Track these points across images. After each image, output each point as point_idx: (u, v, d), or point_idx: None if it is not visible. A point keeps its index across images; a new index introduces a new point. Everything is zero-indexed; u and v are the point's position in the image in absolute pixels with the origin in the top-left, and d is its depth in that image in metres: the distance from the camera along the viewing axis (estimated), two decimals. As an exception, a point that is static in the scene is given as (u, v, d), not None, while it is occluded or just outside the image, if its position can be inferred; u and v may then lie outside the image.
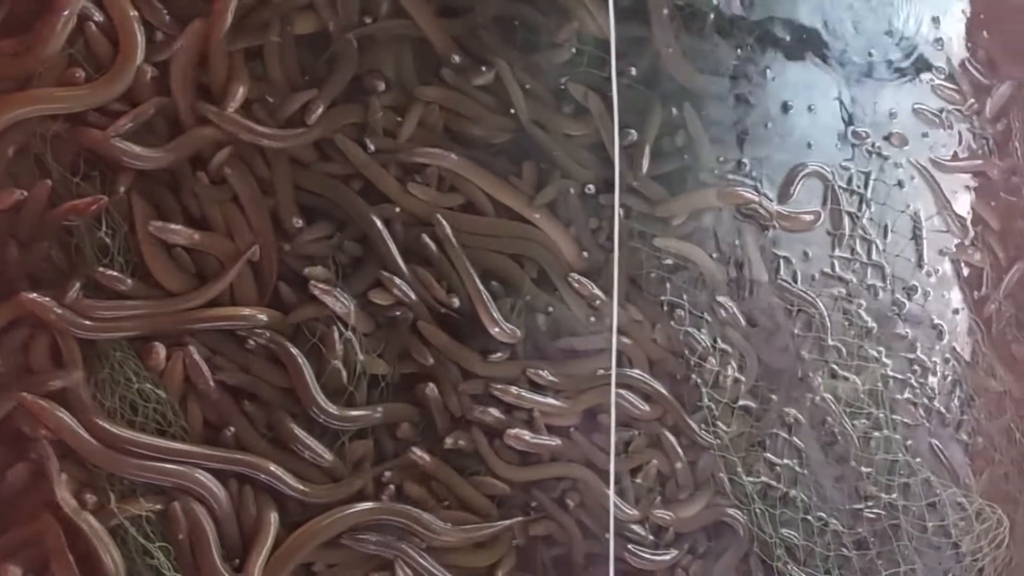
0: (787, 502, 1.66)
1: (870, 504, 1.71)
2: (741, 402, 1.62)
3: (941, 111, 1.82)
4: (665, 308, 1.56)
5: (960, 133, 1.85)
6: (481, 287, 1.43)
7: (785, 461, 1.66)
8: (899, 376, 1.77)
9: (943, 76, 1.82)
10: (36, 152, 1.22)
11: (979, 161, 1.87)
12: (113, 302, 1.25)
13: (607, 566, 1.50)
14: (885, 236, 1.78)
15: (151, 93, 1.24)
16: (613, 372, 1.47)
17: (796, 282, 1.69)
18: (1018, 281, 1.92)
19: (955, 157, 1.85)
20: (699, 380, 1.58)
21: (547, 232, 1.48)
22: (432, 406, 1.39)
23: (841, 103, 1.75)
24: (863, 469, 1.71)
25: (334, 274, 1.36)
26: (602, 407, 1.51)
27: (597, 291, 1.50)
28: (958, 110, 1.85)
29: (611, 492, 1.46)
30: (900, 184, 1.79)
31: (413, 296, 1.38)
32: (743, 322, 1.63)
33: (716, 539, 1.59)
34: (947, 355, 1.82)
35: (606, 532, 1.49)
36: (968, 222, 1.86)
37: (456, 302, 1.41)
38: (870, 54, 1.78)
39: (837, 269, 1.73)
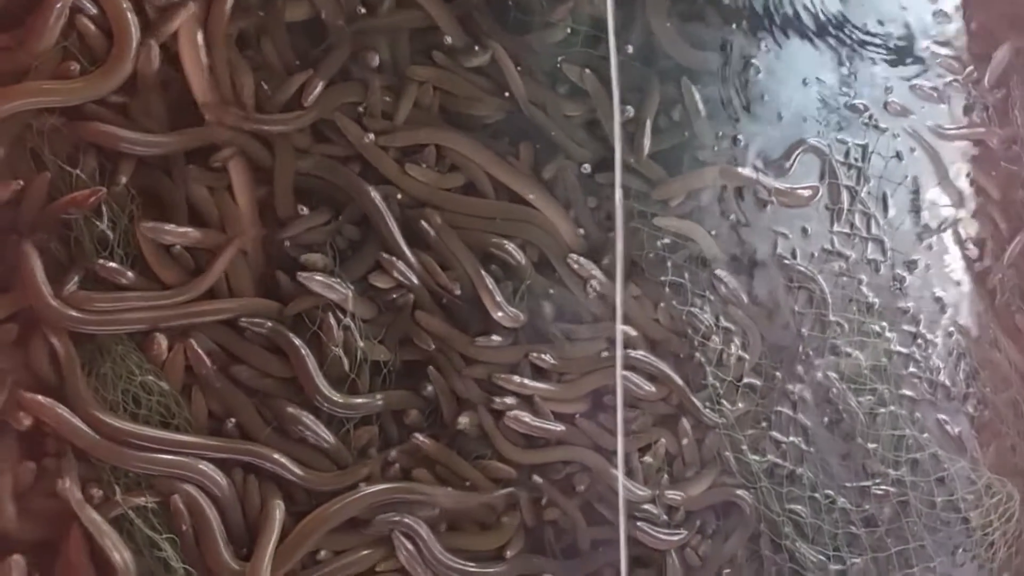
0: (794, 480, 1.70)
1: (878, 481, 1.75)
2: (745, 380, 1.66)
3: (940, 81, 1.86)
4: (667, 288, 1.60)
5: (959, 102, 1.89)
6: (482, 271, 1.46)
7: (791, 439, 1.70)
8: (903, 351, 1.80)
9: (941, 45, 1.86)
10: (32, 146, 1.24)
11: (980, 129, 1.91)
12: (111, 295, 1.27)
13: (617, 547, 1.54)
14: (885, 210, 1.82)
15: (155, 80, 1.26)
16: (619, 355, 1.50)
17: (796, 258, 1.73)
18: (1021, 251, 1.96)
19: (954, 126, 1.88)
20: (703, 359, 1.62)
21: (545, 213, 1.51)
22: (436, 391, 1.43)
23: (838, 76, 1.79)
24: (869, 446, 1.75)
25: (332, 259, 1.39)
26: (607, 388, 1.55)
27: (597, 272, 1.54)
28: (956, 80, 1.88)
29: (620, 474, 1.50)
30: (899, 156, 1.83)
31: (414, 279, 1.41)
32: (745, 299, 1.66)
33: (724, 518, 1.63)
34: (951, 328, 1.86)
35: (616, 513, 1.53)
36: (968, 193, 1.90)
37: (458, 289, 1.44)
38: (866, 26, 1.82)
39: (837, 244, 1.77)
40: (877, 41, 1.82)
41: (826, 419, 1.74)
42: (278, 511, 1.29)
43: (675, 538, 1.56)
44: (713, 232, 1.65)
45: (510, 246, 1.49)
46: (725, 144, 1.68)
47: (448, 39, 1.47)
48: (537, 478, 1.48)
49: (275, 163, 1.37)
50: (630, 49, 1.59)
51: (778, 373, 1.70)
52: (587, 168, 1.55)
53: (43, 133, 1.24)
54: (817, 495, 1.70)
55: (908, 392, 1.80)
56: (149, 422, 1.27)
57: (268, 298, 1.36)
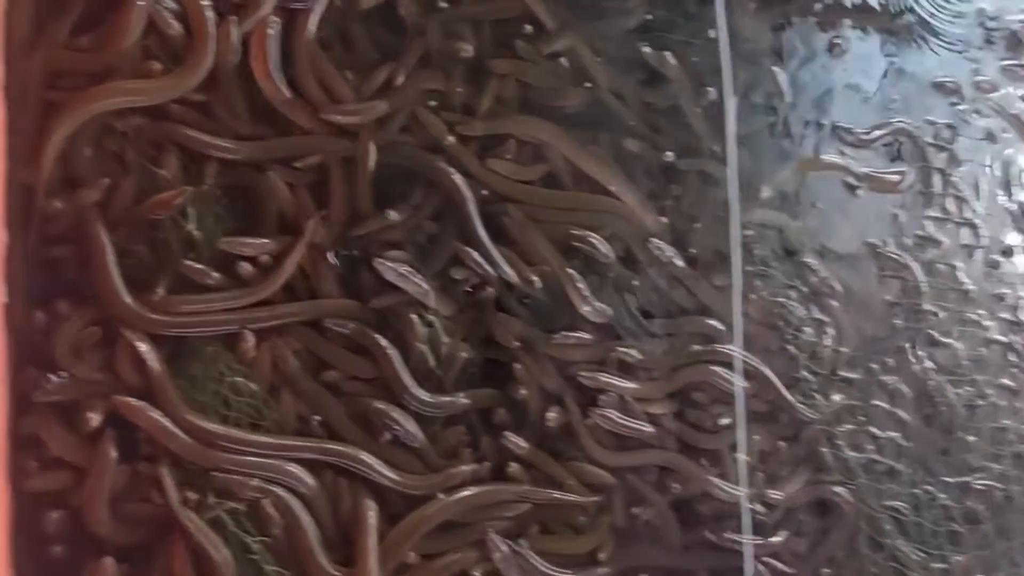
0: (893, 476, 1.66)
1: (979, 475, 1.70)
2: (840, 373, 1.63)
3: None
4: (755, 279, 1.58)
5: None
6: (567, 266, 1.45)
7: (888, 433, 1.66)
8: (1001, 339, 1.76)
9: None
10: (114, 148, 1.26)
11: (1076, 107, 1.85)
12: (197, 297, 1.29)
13: (709, 550, 1.52)
14: (977, 193, 1.77)
15: (235, 75, 1.28)
16: (738, 357, 1.48)
17: (888, 246, 1.69)
18: (1119, 233, 1.90)
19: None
20: (796, 352, 1.59)
21: (627, 202, 1.50)
22: (523, 389, 1.42)
23: (925, 56, 1.75)
24: (969, 439, 1.70)
25: (414, 256, 1.39)
26: (697, 386, 1.53)
27: (679, 261, 1.52)
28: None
29: (743, 493, 1.48)
30: (991, 137, 1.79)
31: (492, 272, 1.41)
32: (837, 289, 1.63)
33: (822, 517, 1.60)
34: (1051, 314, 1.81)
35: (710, 515, 1.51)
36: (1066, 172, 1.85)
37: (538, 282, 1.44)
38: (952, 4, 1.78)
39: (930, 230, 1.73)
40: (967, 22, 1.78)
41: (924, 412, 1.70)
42: (372, 513, 1.29)
43: (774, 540, 1.53)
44: (801, 221, 1.62)
45: (594, 239, 1.48)
46: (811, 130, 1.65)
47: (528, 28, 1.47)
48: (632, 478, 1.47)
49: (356, 159, 1.37)
50: (711, 34, 1.57)
51: (873, 365, 1.66)
52: (669, 155, 1.54)
53: (126, 134, 1.25)
54: (917, 491, 1.66)
55: (1008, 382, 1.75)
56: (239, 424, 1.29)
57: (351, 298, 1.36)
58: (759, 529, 1.54)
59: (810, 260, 1.62)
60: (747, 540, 1.53)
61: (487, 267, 1.41)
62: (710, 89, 1.56)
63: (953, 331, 1.73)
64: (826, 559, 1.59)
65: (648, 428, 1.48)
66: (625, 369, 1.49)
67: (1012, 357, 1.76)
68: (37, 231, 1.22)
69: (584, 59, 1.50)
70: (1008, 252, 1.78)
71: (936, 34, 1.76)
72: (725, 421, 1.54)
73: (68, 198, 1.23)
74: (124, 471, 1.24)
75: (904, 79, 1.74)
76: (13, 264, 1.19)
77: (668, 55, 1.54)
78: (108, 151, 1.26)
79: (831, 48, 1.68)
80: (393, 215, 1.38)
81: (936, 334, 1.72)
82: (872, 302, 1.68)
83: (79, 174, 1.24)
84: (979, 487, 1.69)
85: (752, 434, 1.55)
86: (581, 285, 1.45)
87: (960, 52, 1.77)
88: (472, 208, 1.41)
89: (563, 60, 1.49)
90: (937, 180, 1.74)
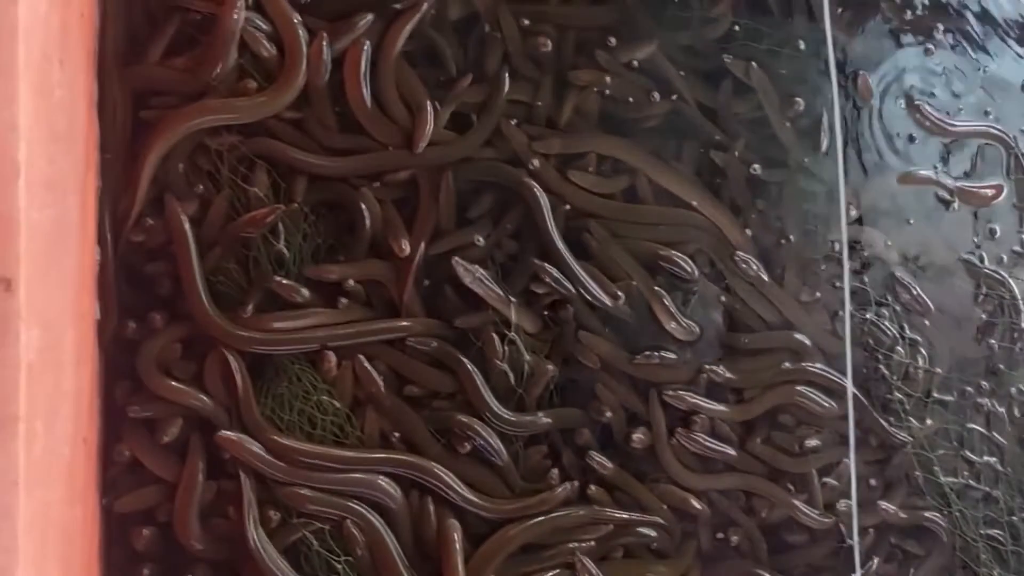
0: (989, 503, 1.63)
1: (1081, 505, 1.66)
2: (934, 395, 1.60)
3: None
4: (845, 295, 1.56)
5: None
6: (653, 283, 1.46)
7: (985, 458, 1.63)
8: (1105, 361, 1.71)
9: None
10: (207, 167, 1.30)
11: None
12: (285, 313, 1.32)
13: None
14: (1077, 205, 1.73)
15: (326, 96, 1.31)
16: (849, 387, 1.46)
17: (983, 262, 1.66)
18: None
19: None
20: (887, 372, 1.57)
21: (710, 216, 1.50)
22: (607, 409, 1.42)
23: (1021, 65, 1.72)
24: (1070, 466, 1.67)
25: (495, 272, 1.40)
26: (784, 408, 1.52)
27: (764, 274, 1.51)
28: None
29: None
30: (1091, 146, 1.75)
31: (573, 289, 1.41)
32: (931, 307, 1.61)
33: (916, 543, 1.57)
34: None
35: (799, 542, 1.50)
36: None
37: (622, 299, 1.44)
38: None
39: (1027, 245, 1.70)
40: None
41: (1021, 437, 1.66)
42: (456, 532, 1.31)
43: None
44: (894, 236, 1.60)
45: (678, 255, 1.47)
46: (902, 142, 1.63)
47: (612, 40, 1.47)
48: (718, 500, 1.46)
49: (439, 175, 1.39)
50: (801, 45, 1.56)
51: (968, 388, 1.63)
52: (756, 168, 1.53)
53: (219, 152, 1.29)
54: (1015, 519, 1.63)
55: (1113, 406, 1.71)
56: (324, 442, 1.31)
57: (431, 315, 1.38)
58: (850, 556, 1.52)
59: (903, 277, 1.60)
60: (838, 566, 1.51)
61: (568, 284, 1.42)
62: (798, 100, 1.55)
63: (1052, 352, 1.69)
64: (917, 585, 1.57)
65: (732, 451, 1.47)
66: (711, 389, 1.48)
67: (1116, 379, 1.72)
68: (129, 248, 1.25)
69: (667, 70, 1.50)
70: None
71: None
72: (812, 443, 1.52)
73: (160, 215, 1.27)
74: (211, 487, 1.26)
75: (997, 88, 1.71)
76: (105, 281, 1.22)
77: (754, 65, 1.53)
78: (200, 169, 1.30)
79: (923, 56, 1.66)
80: (479, 239, 1.39)
81: (1035, 355, 1.68)
82: (967, 321, 1.65)
83: (172, 192, 1.28)
84: (1081, 516, 1.66)
85: (843, 457, 1.54)
86: (667, 301, 1.45)
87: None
88: (551, 222, 1.42)
89: (645, 71, 1.50)
90: (1034, 193, 1.71)
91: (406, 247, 1.35)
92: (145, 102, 1.28)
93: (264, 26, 1.30)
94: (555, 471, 1.38)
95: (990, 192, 1.69)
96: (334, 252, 1.35)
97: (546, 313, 1.42)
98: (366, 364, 1.33)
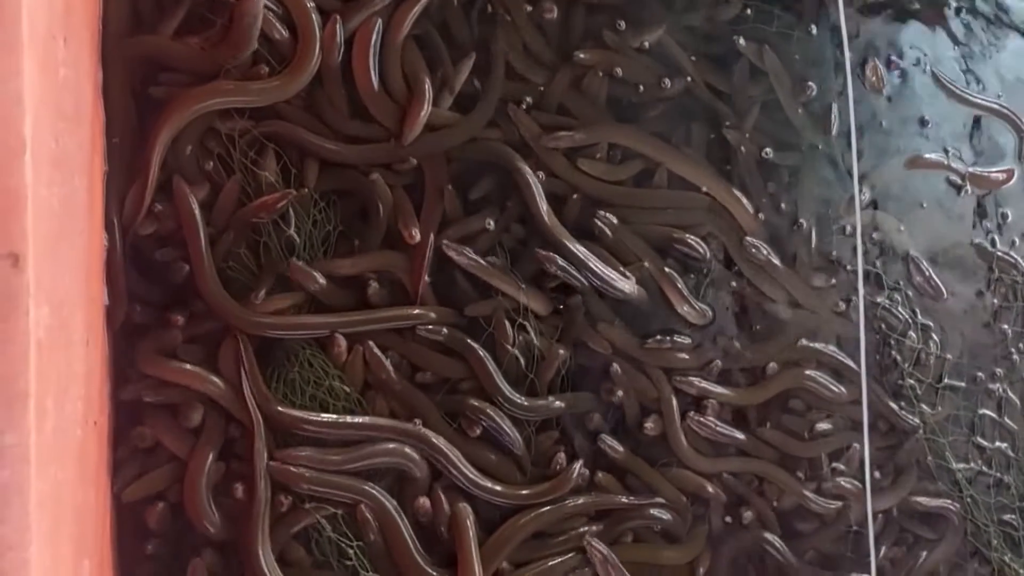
0: (1001, 488, 1.61)
1: (1095, 491, 1.65)
2: (946, 381, 1.59)
3: None
4: (858, 279, 1.54)
5: None
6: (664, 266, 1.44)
7: (997, 444, 1.62)
8: (1118, 346, 1.70)
9: None
10: (217, 151, 1.28)
11: None
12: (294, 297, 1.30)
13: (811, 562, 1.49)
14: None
15: (338, 73, 1.30)
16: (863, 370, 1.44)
17: (995, 246, 1.65)
18: None
19: None
20: (899, 357, 1.56)
21: (720, 200, 1.48)
22: (619, 394, 1.41)
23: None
24: (1084, 452, 1.65)
25: (504, 259, 1.39)
26: (794, 392, 1.50)
27: (774, 258, 1.49)
28: None
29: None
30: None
31: (579, 274, 1.39)
32: (943, 292, 1.59)
33: (926, 529, 1.56)
34: None
35: (810, 527, 1.49)
36: None
37: (633, 283, 1.42)
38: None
39: (1039, 229, 1.68)
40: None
41: (1034, 423, 1.65)
42: (469, 517, 1.30)
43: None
44: (905, 221, 1.59)
45: (691, 239, 1.46)
46: (913, 127, 1.61)
47: (621, 23, 1.46)
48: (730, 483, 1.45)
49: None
50: (813, 30, 1.55)
51: (980, 373, 1.62)
52: (768, 153, 1.51)
53: (230, 136, 1.27)
54: (1027, 505, 1.62)
55: None
56: (336, 426, 1.30)
57: (443, 303, 1.36)
58: (860, 540, 1.51)
59: (915, 261, 1.59)
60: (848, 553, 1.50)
61: (574, 269, 1.40)
62: (811, 84, 1.54)
63: (1065, 337, 1.67)
64: (929, 572, 1.55)
65: (741, 436, 1.46)
66: (722, 373, 1.47)
67: None
68: (138, 233, 1.24)
69: (676, 52, 1.48)
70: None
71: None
72: (823, 427, 1.51)
73: (169, 200, 1.25)
74: (219, 468, 1.25)
75: (1009, 70, 1.69)
76: (114, 266, 1.21)
77: (766, 48, 1.51)
78: (211, 153, 1.28)
79: (932, 41, 1.64)
80: (490, 223, 1.37)
81: (1047, 339, 1.67)
82: (979, 306, 1.64)
83: (182, 176, 1.26)
84: (1095, 502, 1.64)
85: (853, 443, 1.52)
86: (680, 285, 1.44)
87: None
88: (543, 205, 1.39)
89: (655, 53, 1.48)
90: (1046, 177, 1.69)
91: (416, 235, 1.33)
92: (152, 84, 1.25)
93: (277, 9, 1.28)
94: (562, 455, 1.37)
95: (1001, 176, 1.67)
96: (345, 238, 1.33)
97: (554, 295, 1.40)
98: (375, 350, 1.32)
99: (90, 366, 1.04)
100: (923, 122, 1.62)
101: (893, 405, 1.55)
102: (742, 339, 1.49)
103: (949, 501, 1.56)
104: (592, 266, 1.40)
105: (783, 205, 1.52)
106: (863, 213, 1.57)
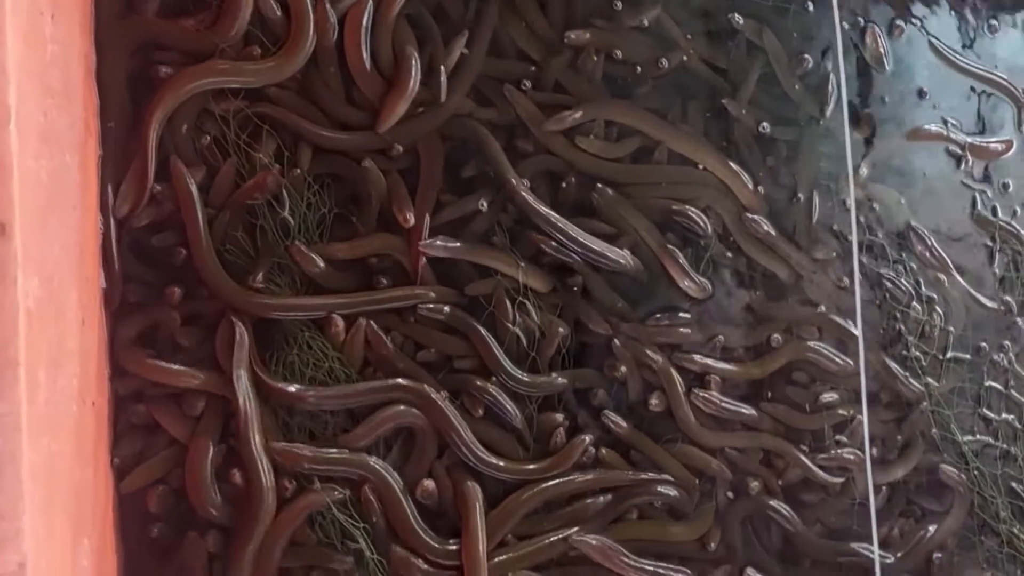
0: (1008, 460, 1.59)
1: (1102, 463, 1.63)
2: (951, 354, 1.57)
3: None
4: (863, 251, 1.53)
5: None
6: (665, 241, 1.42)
7: (1003, 416, 1.60)
8: (1124, 316, 1.68)
9: None
10: (213, 133, 1.26)
11: None
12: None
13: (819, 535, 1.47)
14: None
15: (333, 55, 1.28)
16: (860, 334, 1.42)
17: (997, 216, 1.63)
18: None
19: None
20: (903, 329, 1.54)
21: (719, 175, 1.46)
22: (622, 370, 1.39)
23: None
24: (1092, 424, 1.63)
25: (502, 238, 1.37)
26: (797, 365, 1.48)
27: (772, 230, 1.48)
28: None
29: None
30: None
31: (570, 248, 1.38)
32: (946, 262, 1.57)
33: (933, 501, 1.54)
34: None
35: (815, 500, 1.47)
36: None
37: (628, 257, 1.41)
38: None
39: (1041, 199, 1.66)
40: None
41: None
42: (476, 491, 1.29)
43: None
44: (906, 193, 1.57)
45: (691, 211, 1.44)
46: (911, 99, 1.60)
47: (618, 5, 1.44)
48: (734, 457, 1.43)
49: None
50: (810, 7, 1.53)
51: (984, 344, 1.60)
52: (765, 127, 1.49)
53: (224, 118, 1.25)
54: (1035, 477, 1.60)
55: None
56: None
57: (442, 282, 1.35)
58: (865, 513, 1.49)
59: (917, 232, 1.57)
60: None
61: (572, 247, 1.38)
62: (807, 57, 1.52)
63: (1070, 307, 1.65)
64: (938, 544, 1.53)
65: (748, 411, 1.44)
66: (725, 348, 1.45)
67: None
68: (136, 219, 1.22)
69: (672, 29, 1.46)
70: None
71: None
72: (828, 398, 1.49)
73: (166, 182, 1.23)
74: (221, 451, 1.24)
75: (1006, 44, 1.67)
76: (110, 249, 1.20)
77: (762, 24, 1.49)
78: (206, 135, 1.26)
79: (931, 10, 1.62)
80: (483, 204, 1.36)
81: (1050, 310, 1.65)
82: (982, 276, 1.62)
83: (180, 158, 1.24)
84: (1103, 473, 1.62)
85: (858, 415, 1.50)
86: (681, 259, 1.42)
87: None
88: (506, 165, 1.36)
89: (651, 29, 1.46)
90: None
91: (411, 218, 1.32)
92: (146, 67, 1.24)
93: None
94: (561, 430, 1.35)
95: (1000, 147, 1.65)
96: (342, 220, 1.32)
97: (553, 273, 1.39)
98: (376, 328, 1.30)
99: (86, 345, 1.03)
100: (921, 93, 1.60)
101: (897, 369, 1.52)
102: (744, 313, 1.47)
103: (956, 473, 1.54)
104: (580, 239, 1.38)
105: (782, 179, 1.50)
106: (863, 186, 1.55)
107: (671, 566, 1.38)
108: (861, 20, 1.56)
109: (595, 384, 1.40)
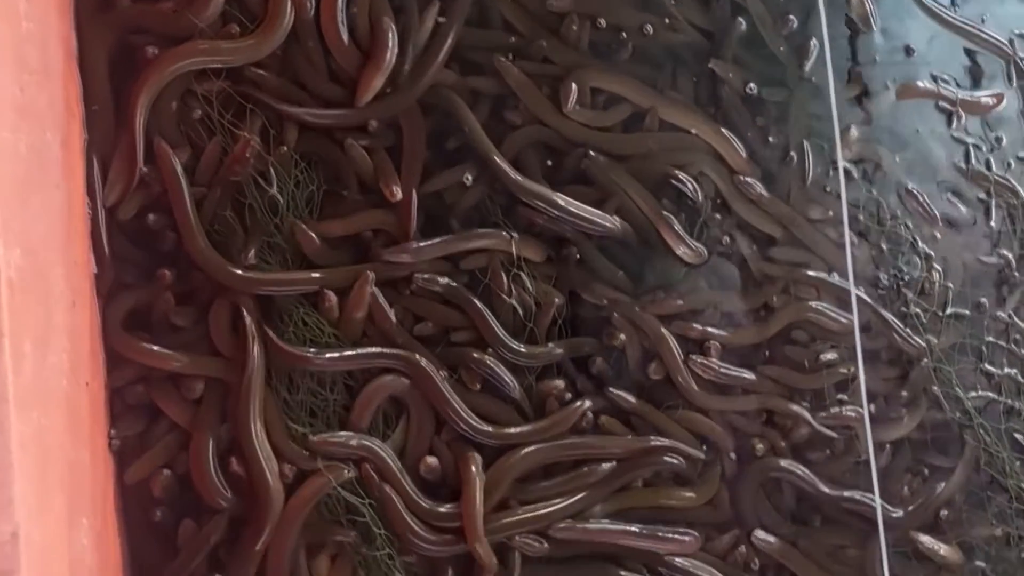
0: (1012, 415, 1.58)
1: (1107, 414, 1.61)
2: (951, 310, 1.55)
3: None
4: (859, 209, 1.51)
5: None
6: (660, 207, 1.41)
7: (1006, 371, 1.58)
8: (1121, 266, 1.66)
9: None
10: (196, 114, 1.25)
11: None
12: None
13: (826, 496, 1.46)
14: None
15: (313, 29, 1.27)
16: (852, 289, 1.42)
17: (991, 169, 1.61)
18: None
19: None
20: (901, 284, 1.53)
21: (708, 140, 1.45)
22: (619, 337, 1.38)
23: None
24: (1094, 375, 1.61)
25: (496, 210, 1.36)
26: (796, 325, 1.47)
27: (764, 192, 1.46)
28: None
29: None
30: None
31: (565, 219, 1.36)
32: (941, 219, 1.56)
33: (939, 457, 1.52)
34: None
35: (822, 459, 1.46)
36: None
37: (617, 222, 1.39)
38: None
39: (1034, 152, 1.65)
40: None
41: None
42: (476, 457, 1.28)
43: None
44: (897, 150, 1.55)
45: (682, 176, 1.42)
46: (900, 56, 1.58)
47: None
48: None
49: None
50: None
51: (984, 299, 1.58)
52: (752, 88, 1.48)
53: (208, 98, 1.24)
54: (1042, 431, 1.58)
55: None
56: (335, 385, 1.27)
57: (437, 256, 1.33)
58: (868, 472, 1.47)
59: (910, 190, 1.55)
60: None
61: (560, 216, 1.36)
62: (792, 17, 1.50)
63: (1067, 259, 1.64)
64: (945, 500, 1.51)
65: (749, 376, 1.43)
66: (724, 314, 1.44)
67: None
68: (123, 199, 1.21)
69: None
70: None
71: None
72: (829, 357, 1.47)
73: (152, 164, 1.22)
74: (224, 436, 1.22)
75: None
76: (99, 234, 1.19)
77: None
78: (190, 116, 1.25)
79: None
80: (468, 178, 1.34)
81: (1048, 263, 1.63)
82: (978, 231, 1.60)
83: (164, 140, 1.23)
84: (1108, 425, 1.60)
85: (854, 373, 1.48)
86: (676, 226, 1.41)
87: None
88: (477, 130, 1.34)
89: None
90: (1037, 99, 1.66)
91: (397, 192, 1.30)
92: (127, 51, 1.22)
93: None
94: (557, 395, 1.34)
95: (991, 101, 1.64)
96: (332, 196, 1.31)
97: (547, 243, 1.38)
98: (381, 299, 1.28)
99: (76, 325, 1.02)
100: (909, 51, 1.59)
101: (897, 325, 1.51)
102: (741, 277, 1.45)
103: (960, 429, 1.53)
104: (567, 206, 1.36)
105: (772, 140, 1.48)
106: (856, 144, 1.54)
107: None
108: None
109: (594, 352, 1.38)
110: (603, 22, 1.42)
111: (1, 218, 0.71)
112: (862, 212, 1.52)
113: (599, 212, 1.38)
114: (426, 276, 1.31)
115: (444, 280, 1.32)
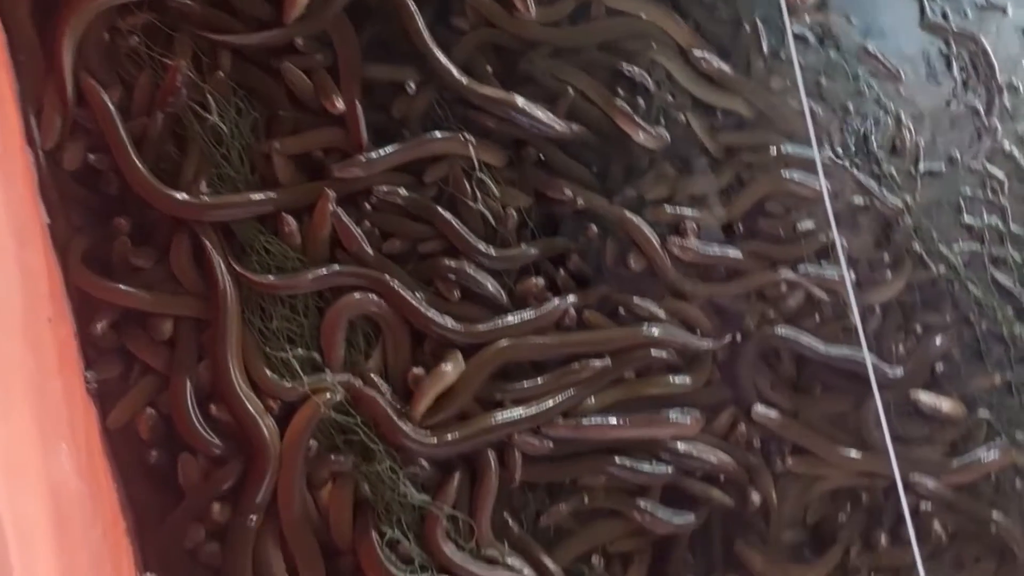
0: (999, 264, 1.56)
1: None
2: (923, 165, 1.53)
3: None
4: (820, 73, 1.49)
5: None
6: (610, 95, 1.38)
7: (987, 220, 1.56)
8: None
9: None
10: (124, 49, 1.22)
11: None
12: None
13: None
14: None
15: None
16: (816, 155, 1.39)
17: (948, 19, 1.59)
18: None
19: None
20: (873, 141, 1.50)
21: (654, 20, 1.42)
22: (591, 232, 1.36)
23: None
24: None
25: (455, 120, 1.33)
26: (772, 195, 1.45)
27: (724, 66, 1.43)
28: None
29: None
30: None
31: (518, 120, 1.33)
32: (904, 75, 1.53)
33: (930, 313, 1.50)
34: None
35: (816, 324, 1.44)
36: None
37: (570, 126, 1.36)
38: None
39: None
40: None
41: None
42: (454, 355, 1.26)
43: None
44: (853, 15, 1.52)
45: (633, 67, 1.39)
46: None
47: None
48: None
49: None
50: None
51: (956, 153, 1.56)
52: (697, -35, 1.44)
53: (133, 32, 1.21)
54: (1028, 268, 1.57)
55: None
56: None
57: (396, 168, 1.30)
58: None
59: (867, 49, 1.52)
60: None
61: (512, 116, 1.33)
62: None
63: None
64: (940, 354, 1.50)
65: (733, 252, 1.40)
66: (695, 195, 1.41)
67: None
68: (62, 143, 1.17)
69: None
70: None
71: None
72: (807, 225, 1.45)
73: (86, 106, 1.19)
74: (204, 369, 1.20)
75: None
76: (46, 182, 1.15)
77: None
78: (118, 53, 1.21)
79: None
80: (411, 85, 1.31)
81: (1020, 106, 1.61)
82: (943, 84, 1.58)
83: (93, 78, 1.19)
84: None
85: (832, 239, 1.46)
86: (629, 111, 1.37)
87: None
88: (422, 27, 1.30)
89: None
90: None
91: (339, 103, 1.27)
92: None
93: None
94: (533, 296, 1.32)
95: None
96: (276, 123, 1.28)
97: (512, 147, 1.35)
98: (345, 218, 1.25)
99: (28, 265, 0.99)
100: None
101: (872, 186, 1.49)
102: (706, 157, 1.43)
103: (947, 284, 1.51)
104: (523, 107, 1.33)
105: (723, 14, 1.45)
106: (812, 11, 1.51)
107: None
108: None
109: (569, 248, 1.36)
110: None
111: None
112: (822, 76, 1.49)
113: (551, 115, 1.35)
114: (386, 189, 1.28)
115: (404, 192, 1.29)
